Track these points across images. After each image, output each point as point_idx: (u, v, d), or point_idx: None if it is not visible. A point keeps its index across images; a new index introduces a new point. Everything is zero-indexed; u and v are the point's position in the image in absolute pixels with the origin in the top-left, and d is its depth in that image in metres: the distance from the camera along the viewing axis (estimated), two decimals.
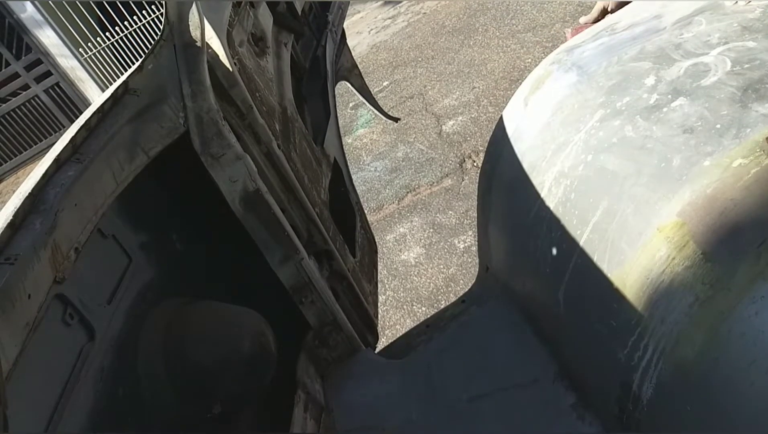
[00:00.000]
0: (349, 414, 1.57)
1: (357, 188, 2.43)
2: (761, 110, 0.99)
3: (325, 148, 2.17)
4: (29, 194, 1.02)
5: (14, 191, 1.07)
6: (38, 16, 9.71)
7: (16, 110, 10.52)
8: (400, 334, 1.85)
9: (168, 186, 1.51)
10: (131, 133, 1.26)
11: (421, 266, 3.89)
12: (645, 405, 1.02)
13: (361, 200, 2.54)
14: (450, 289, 3.58)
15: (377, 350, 1.87)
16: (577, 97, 1.37)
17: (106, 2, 9.82)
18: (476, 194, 1.81)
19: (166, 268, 1.45)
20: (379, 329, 2.11)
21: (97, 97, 1.46)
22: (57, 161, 1.11)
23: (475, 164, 4.56)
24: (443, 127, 5.28)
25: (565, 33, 1.98)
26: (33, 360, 0.91)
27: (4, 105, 10.41)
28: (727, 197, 0.92)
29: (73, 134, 1.16)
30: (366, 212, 2.78)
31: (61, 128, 10.52)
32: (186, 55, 1.40)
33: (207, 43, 1.43)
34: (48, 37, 9.94)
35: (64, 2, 9.72)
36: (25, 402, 0.91)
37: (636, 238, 1.04)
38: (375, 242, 2.45)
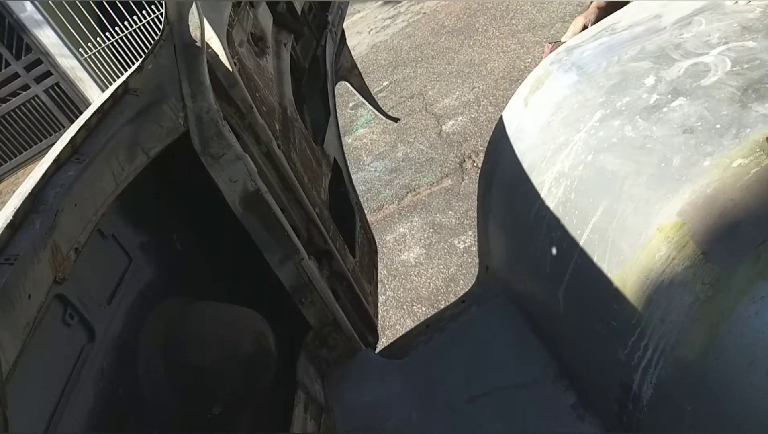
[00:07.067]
0: (349, 414, 1.57)
1: (357, 188, 2.43)
2: (761, 109, 0.98)
3: (324, 148, 2.17)
4: (29, 194, 1.02)
5: (14, 192, 1.07)
6: (38, 16, 9.71)
7: (16, 110, 10.52)
8: (400, 334, 1.85)
9: (168, 186, 1.51)
10: (131, 133, 1.26)
11: (421, 266, 3.89)
12: (645, 404, 1.02)
13: (361, 200, 2.54)
14: (450, 289, 3.58)
15: (377, 350, 1.87)
16: (577, 97, 1.37)
17: (106, 2, 9.82)
18: (476, 194, 1.80)
19: (166, 268, 1.45)
20: (379, 329, 2.11)
21: (97, 97, 1.46)
22: (57, 161, 1.11)
23: (475, 164, 4.56)
24: (443, 127, 5.28)
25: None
26: (33, 360, 0.91)
27: (4, 105, 10.40)
28: (727, 197, 0.92)
29: (73, 134, 1.16)
30: (366, 212, 2.78)
31: (61, 128, 10.52)
32: (186, 55, 1.40)
33: (207, 43, 1.43)
34: (48, 37, 9.93)
35: (64, 2, 9.72)
36: (25, 402, 0.91)
37: (636, 238, 1.04)
38: (375, 242, 2.45)
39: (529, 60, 5.56)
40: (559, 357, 1.38)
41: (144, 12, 10.22)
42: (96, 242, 1.16)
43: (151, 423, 1.23)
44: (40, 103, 10.58)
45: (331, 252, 1.80)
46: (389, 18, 9.15)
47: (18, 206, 0.99)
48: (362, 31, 9.17)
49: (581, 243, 1.16)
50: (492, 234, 1.68)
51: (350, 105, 6.61)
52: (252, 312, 1.49)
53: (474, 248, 3.66)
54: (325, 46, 2.45)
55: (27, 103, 10.52)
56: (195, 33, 1.39)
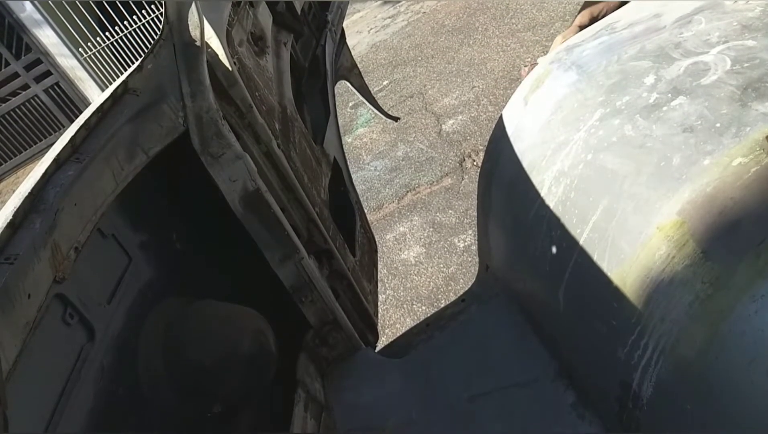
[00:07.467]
0: (350, 413, 1.57)
1: (357, 188, 2.43)
2: (761, 108, 0.98)
3: (324, 147, 2.17)
4: (29, 193, 1.02)
5: (14, 191, 1.07)
6: (38, 16, 9.71)
7: (16, 109, 10.53)
8: (400, 333, 1.85)
9: (168, 186, 1.51)
10: (131, 132, 1.26)
11: (421, 265, 3.89)
12: (645, 403, 1.02)
13: (361, 199, 2.54)
14: (450, 288, 3.58)
15: (377, 349, 1.87)
16: (576, 96, 1.37)
17: (106, 2, 9.82)
18: (476, 193, 1.81)
19: (166, 268, 1.45)
20: (379, 328, 2.11)
21: (96, 97, 1.46)
22: (57, 160, 1.11)
23: (474, 163, 4.56)
24: (443, 126, 5.28)
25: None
26: (33, 360, 0.91)
27: (3, 105, 10.41)
28: (727, 195, 0.92)
29: (72, 134, 1.16)
30: (366, 211, 2.78)
31: (61, 128, 10.54)
32: (185, 54, 1.40)
33: (206, 43, 1.43)
34: (47, 37, 9.94)
35: (64, 2, 9.72)
36: (25, 402, 0.91)
37: (636, 237, 1.04)
38: (375, 242, 2.45)
39: (529, 59, 5.56)
40: (559, 356, 1.38)
41: (144, 12, 10.22)
42: (96, 242, 1.16)
43: (151, 422, 1.23)
44: (40, 102, 10.58)
45: (331, 251, 1.80)
46: (389, 17, 9.15)
47: (18, 206, 0.99)
48: (362, 31, 9.18)
49: (581, 242, 1.16)
50: (492, 233, 1.68)
51: (350, 104, 6.61)
52: (252, 311, 1.49)
53: (474, 247, 3.67)
54: (324, 46, 2.45)
55: (27, 103, 10.53)
56: (195, 32, 1.39)
